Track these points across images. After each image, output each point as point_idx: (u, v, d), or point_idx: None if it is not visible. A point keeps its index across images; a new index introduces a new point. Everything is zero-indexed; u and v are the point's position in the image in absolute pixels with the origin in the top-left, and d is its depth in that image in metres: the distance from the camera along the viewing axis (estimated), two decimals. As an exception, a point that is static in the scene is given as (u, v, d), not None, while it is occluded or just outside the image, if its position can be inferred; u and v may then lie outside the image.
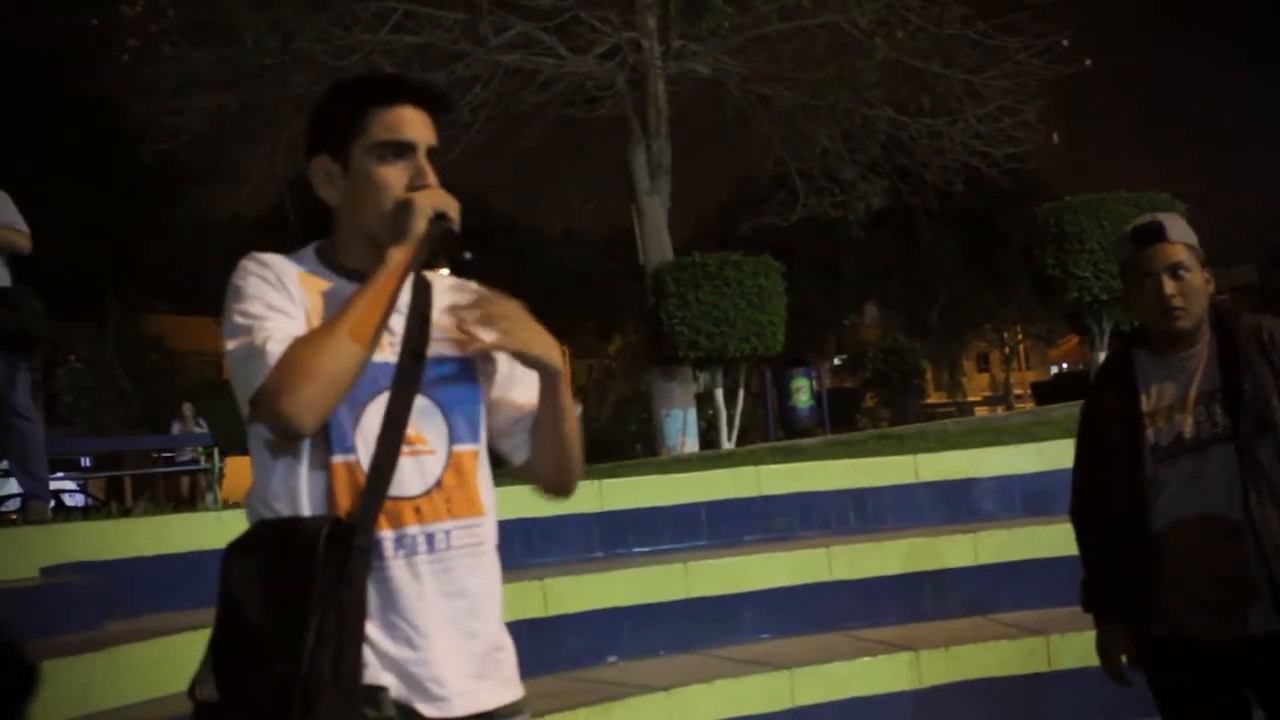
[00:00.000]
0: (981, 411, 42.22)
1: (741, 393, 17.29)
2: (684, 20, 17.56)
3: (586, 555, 7.07)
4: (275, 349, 2.28)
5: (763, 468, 7.82)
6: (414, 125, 2.49)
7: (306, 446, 2.37)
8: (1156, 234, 3.50)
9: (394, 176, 2.44)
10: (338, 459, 2.36)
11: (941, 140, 18.26)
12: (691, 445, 16.74)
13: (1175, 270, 3.46)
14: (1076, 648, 5.93)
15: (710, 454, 13.07)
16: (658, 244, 17.72)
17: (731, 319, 15.47)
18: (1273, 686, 3.46)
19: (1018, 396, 49.21)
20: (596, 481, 7.46)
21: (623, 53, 17.41)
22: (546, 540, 6.94)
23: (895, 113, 18.28)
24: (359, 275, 2.43)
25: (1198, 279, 3.49)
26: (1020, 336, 54.12)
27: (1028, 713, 6.34)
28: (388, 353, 2.43)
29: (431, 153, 2.51)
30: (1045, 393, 28.63)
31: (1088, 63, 18.32)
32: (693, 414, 17.13)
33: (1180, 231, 3.51)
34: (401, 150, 2.46)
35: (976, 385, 59.98)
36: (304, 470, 2.37)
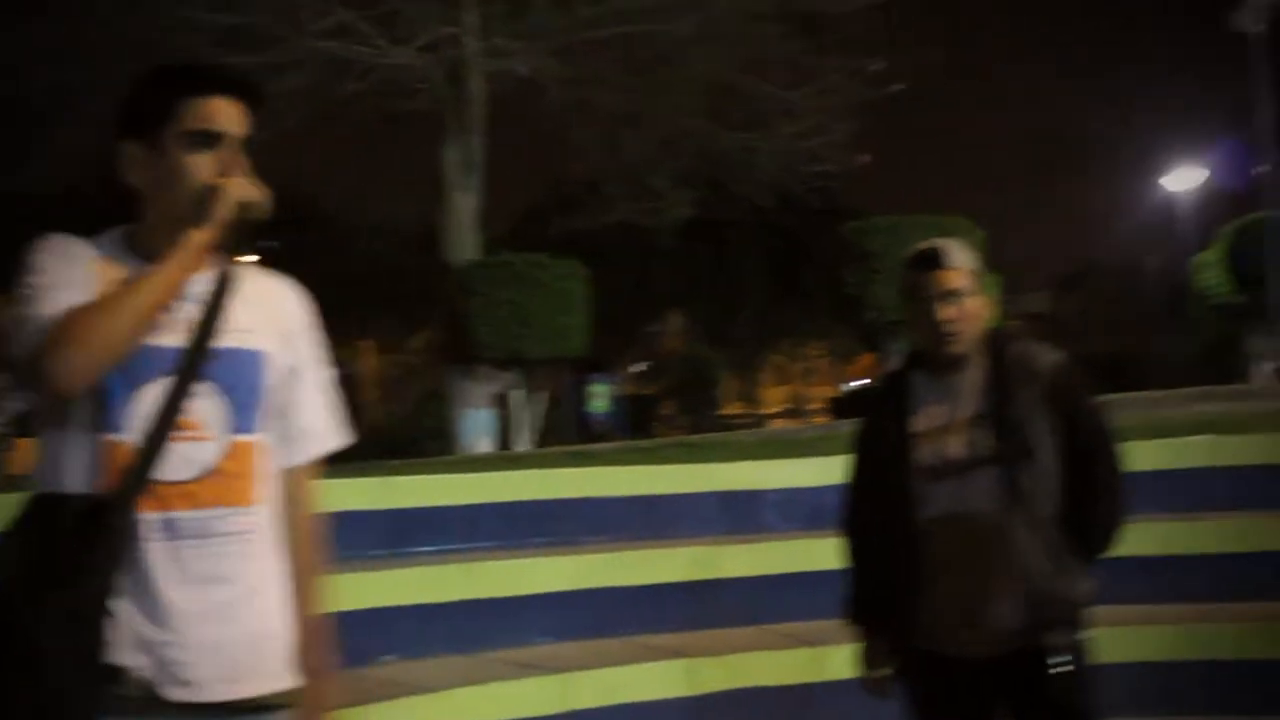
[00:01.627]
0: (777, 424, 42.83)
1: (541, 395, 17.27)
2: (506, 18, 17.50)
3: (369, 552, 6.95)
4: (49, 313, 2.25)
5: (553, 471, 7.81)
6: (225, 115, 2.47)
7: (79, 422, 2.34)
8: (935, 260, 3.58)
9: (203, 165, 2.42)
10: (107, 437, 2.33)
11: (754, 155, 18.52)
12: (487, 445, 16.68)
13: (952, 295, 3.54)
14: (849, 659, 6.03)
15: (505, 455, 13.04)
16: (465, 241, 17.64)
17: (534, 321, 15.47)
18: (1023, 701, 3.57)
19: (814, 411, 50.08)
20: (384, 478, 7.36)
21: (442, 47, 17.28)
22: (330, 535, 6.81)
23: (710, 124, 18.48)
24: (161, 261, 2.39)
25: (974, 305, 3.58)
26: (820, 352, 55.07)
27: (798, 721, 6.43)
28: (177, 337, 2.40)
29: (244, 143, 2.50)
30: (840, 407, 29.22)
31: (899, 87, 18.76)
32: (490, 414, 17.06)
33: (959, 258, 3.60)
34: (211, 140, 2.45)
35: (775, 398, 60.88)
36: (73, 446, 2.34)
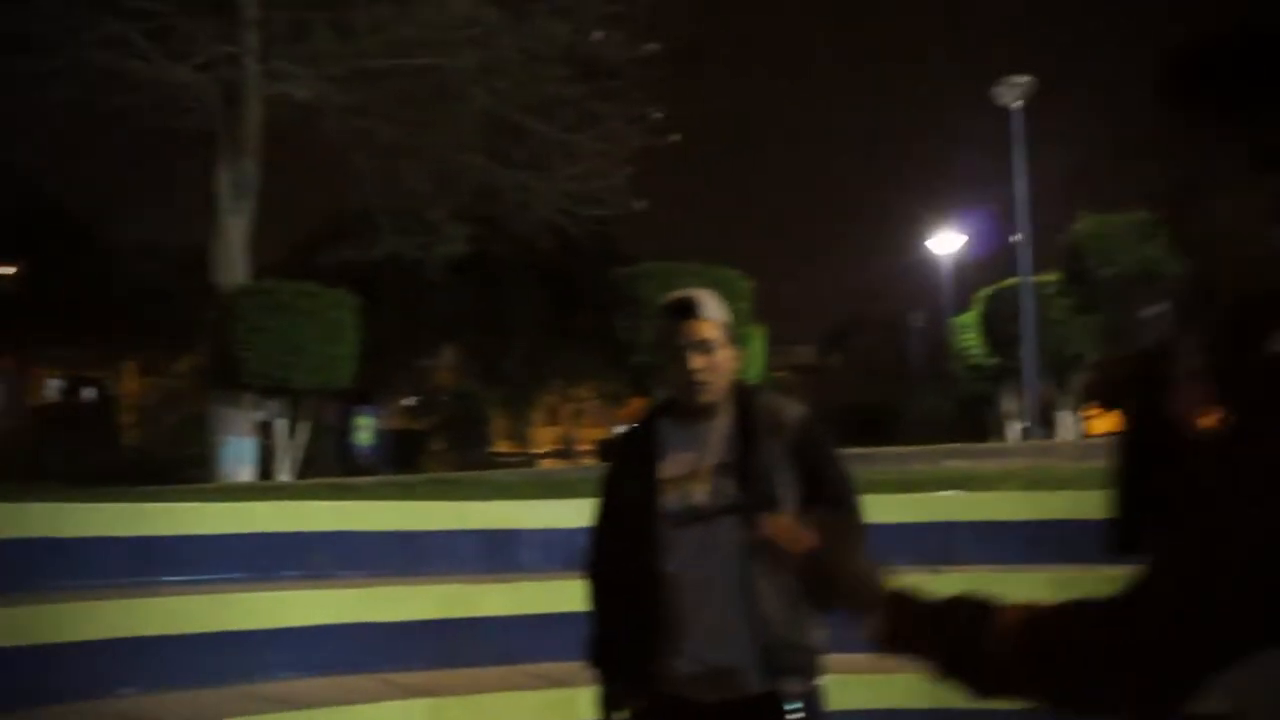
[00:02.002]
0: (546, 464, 42.90)
1: (305, 425, 17.00)
2: (287, 41, 17.27)
3: (113, 580, 6.75)
4: None
5: (310, 503, 7.70)
6: None
7: None
8: (689, 310, 3.65)
9: None
10: None
11: (530, 194, 18.62)
12: (248, 475, 16.34)
13: (704, 346, 3.62)
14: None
15: (264, 485, 12.78)
16: (233, 266, 17.29)
17: (301, 350, 15.23)
18: None
19: (583, 452, 50.30)
20: (134, 504, 7.17)
21: (219, 66, 16.96)
22: (72, 562, 6.61)
23: (488, 162, 18.51)
24: None
25: (725, 355, 3.66)
26: (591, 394, 55.38)
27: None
28: None
29: None
30: (605, 450, 29.41)
31: (676, 137, 19.07)
32: (252, 443, 16.72)
33: (712, 309, 3.68)
34: None
35: (545, 438, 60.96)
36: None
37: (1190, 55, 1.56)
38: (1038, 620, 1.54)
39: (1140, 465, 1.87)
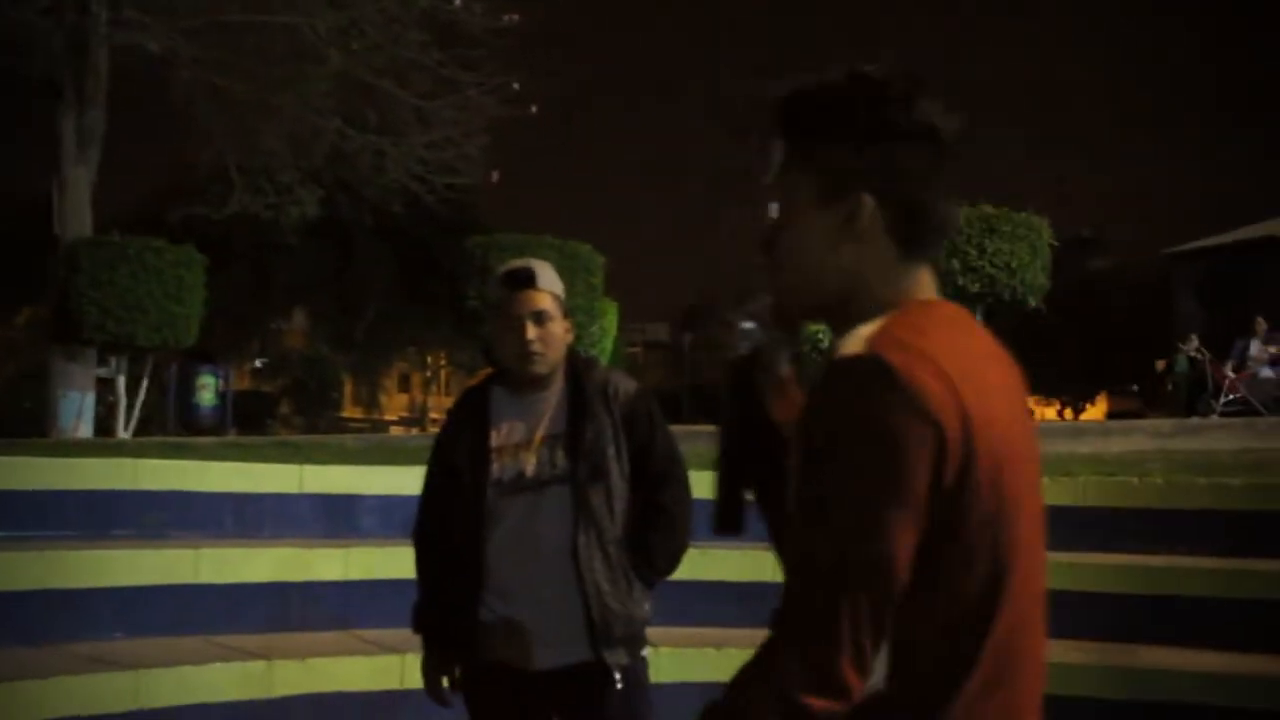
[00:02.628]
0: (396, 431, 42.64)
1: (146, 383, 16.70)
2: (139, -11, 16.89)
3: (-65, 534, 6.61)
4: None
5: (144, 461, 7.58)
6: None
7: None
8: (526, 279, 3.68)
9: None
10: None
11: (385, 159, 18.46)
12: (86, 431, 16.02)
13: (539, 316, 3.65)
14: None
15: (101, 441, 12.55)
16: (77, 217, 16.90)
17: (145, 306, 14.97)
18: (577, 712, 3.72)
19: (433, 420, 50.08)
20: (-39, 457, 7.01)
21: (66, 11, 16.53)
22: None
23: (343, 124, 18.32)
24: None
25: (559, 327, 3.70)
26: (443, 362, 55.13)
27: (376, 728, 6.45)
28: None
29: None
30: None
31: (534, 109, 19.03)
32: (90, 398, 16.40)
33: (549, 280, 3.72)
34: None
35: (396, 405, 60.57)
36: None
37: (787, 103, 1.84)
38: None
39: (740, 457, 2.07)
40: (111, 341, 15.40)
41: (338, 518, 7.71)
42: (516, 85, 18.28)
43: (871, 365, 1.65)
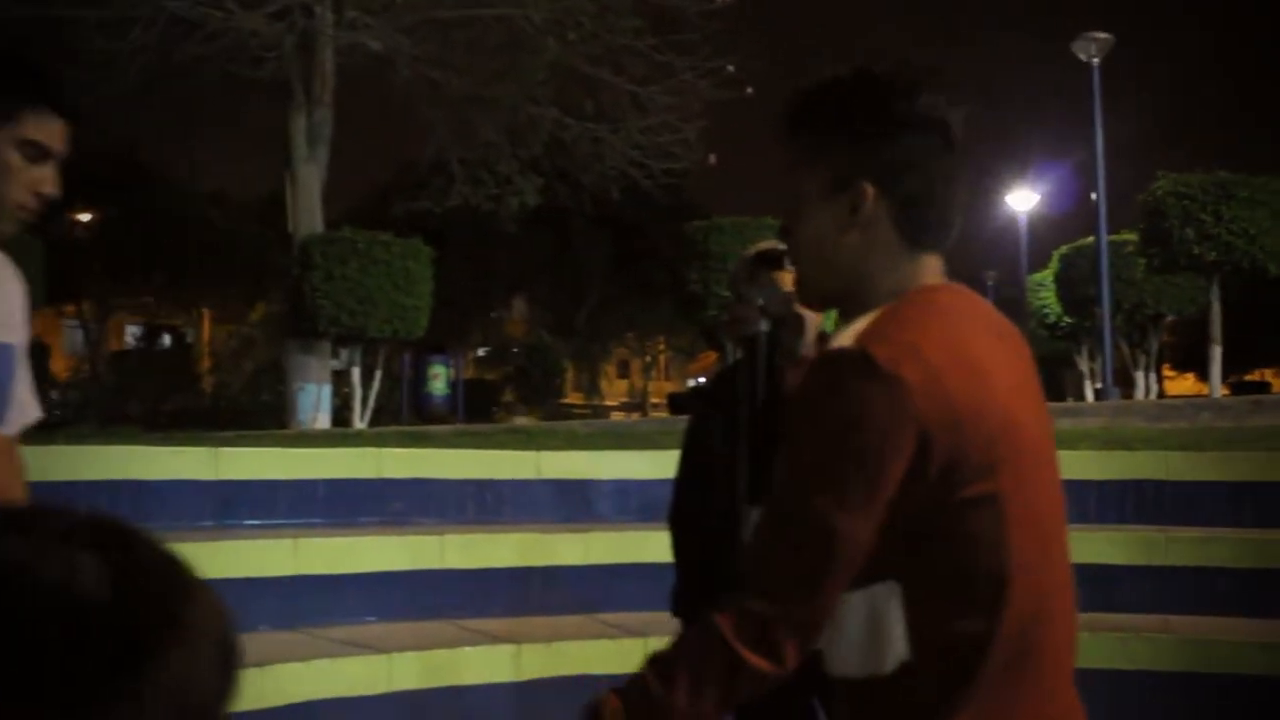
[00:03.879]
0: (617, 416, 43.02)
1: (379, 374, 17.14)
2: (360, -10, 17.32)
3: (195, 523, 6.86)
4: None
5: (386, 450, 7.77)
6: (62, 138, 2.54)
7: None
8: (776, 261, 3.64)
9: (34, 178, 2.49)
10: None
11: (602, 146, 18.59)
12: (323, 422, 16.51)
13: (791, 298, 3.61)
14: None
15: (339, 432, 12.91)
16: (309, 214, 17.40)
17: (376, 299, 15.34)
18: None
19: (654, 405, 50.39)
20: (213, 449, 7.26)
21: (293, 15, 17.03)
22: (156, 504, 6.72)
23: (560, 114, 18.49)
24: None
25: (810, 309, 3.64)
26: (662, 347, 55.42)
27: (621, 710, 6.49)
28: None
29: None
30: (679, 404, 29.39)
31: (749, 90, 18.96)
32: (327, 390, 16.89)
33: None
34: (47, 156, 2.51)
35: (616, 391, 61.10)
36: None
37: (795, 104, 1.92)
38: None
39: (761, 430, 2.26)
40: (345, 334, 15.84)
41: (574, 503, 7.80)
42: (731, 67, 18.23)
43: (856, 358, 1.72)
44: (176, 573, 0.88)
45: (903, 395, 1.69)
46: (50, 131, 2.52)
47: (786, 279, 3.64)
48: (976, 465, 1.72)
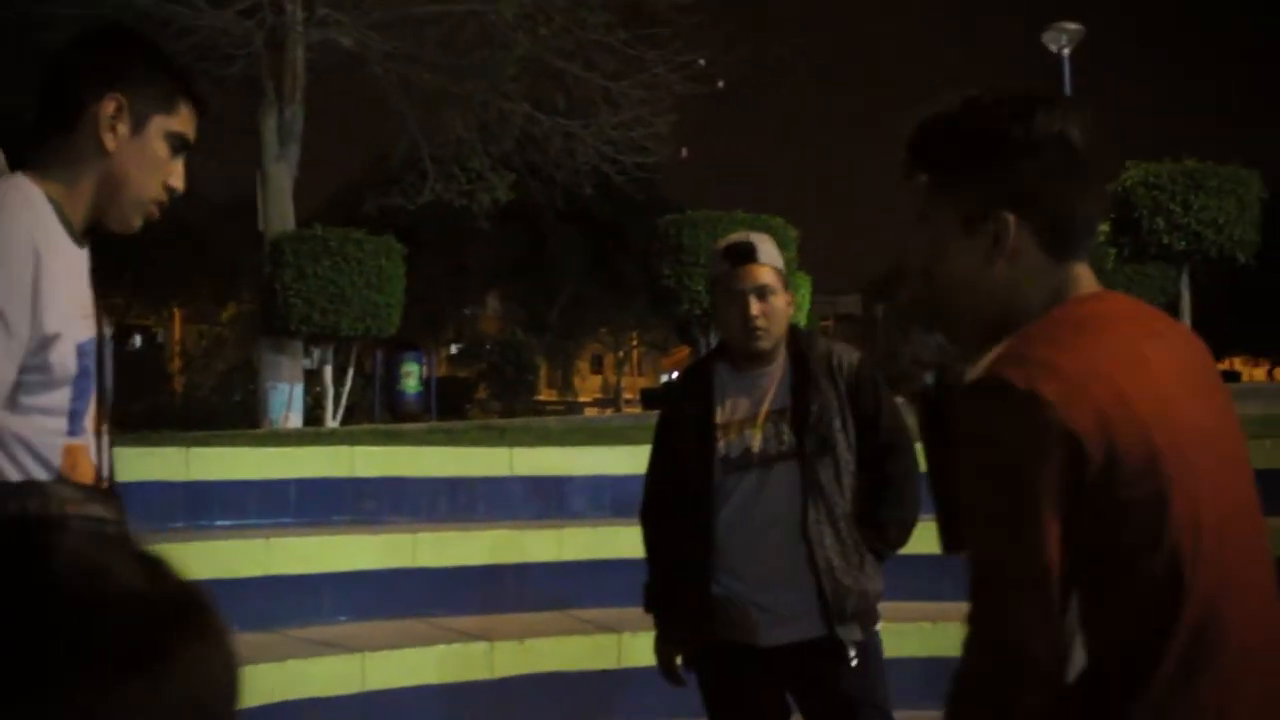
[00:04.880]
0: (590, 412, 42.99)
1: (351, 372, 17.08)
2: (330, -14, 17.25)
3: (166, 524, 6.81)
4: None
5: (358, 449, 7.73)
6: (195, 132, 2.60)
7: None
8: (747, 254, 3.62)
9: (174, 170, 2.53)
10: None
11: (574, 142, 18.56)
12: (295, 421, 16.43)
13: (761, 291, 3.60)
14: (647, 646, 6.10)
15: (311, 431, 12.86)
16: (280, 212, 17.32)
17: (348, 296, 15.27)
18: (814, 692, 3.66)
19: (628, 401, 50.37)
20: (185, 449, 7.22)
21: (263, 12, 16.94)
22: (127, 505, 6.65)
23: (532, 109, 18.46)
24: (81, 241, 2.47)
25: (781, 301, 3.64)
26: (635, 342, 55.38)
27: (597, 706, 6.48)
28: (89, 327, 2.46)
29: None
30: (653, 399, 29.39)
31: (720, 84, 18.95)
32: (299, 389, 16.80)
33: (769, 254, 3.65)
34: (184, 148, 2.55)
35: (589, 386, 61.10)
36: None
37: (912, 145, 1.95)
38: None
39: (948, 480, 2.23)
40: (317, 332, 15.76)
41: (548, 499, 7.78)
42: (703, 61, 18.23)
43: (992, 387, 1.75)
44: (195, 584, 0.93)
45: (1044, 410, 1.70)
46: (192, 125, 2.55)
47: (760, 272, 3.62)
48: (1135, 465, 1.72)
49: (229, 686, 0.90)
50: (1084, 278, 1.90)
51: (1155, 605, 1.74)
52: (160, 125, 2.47)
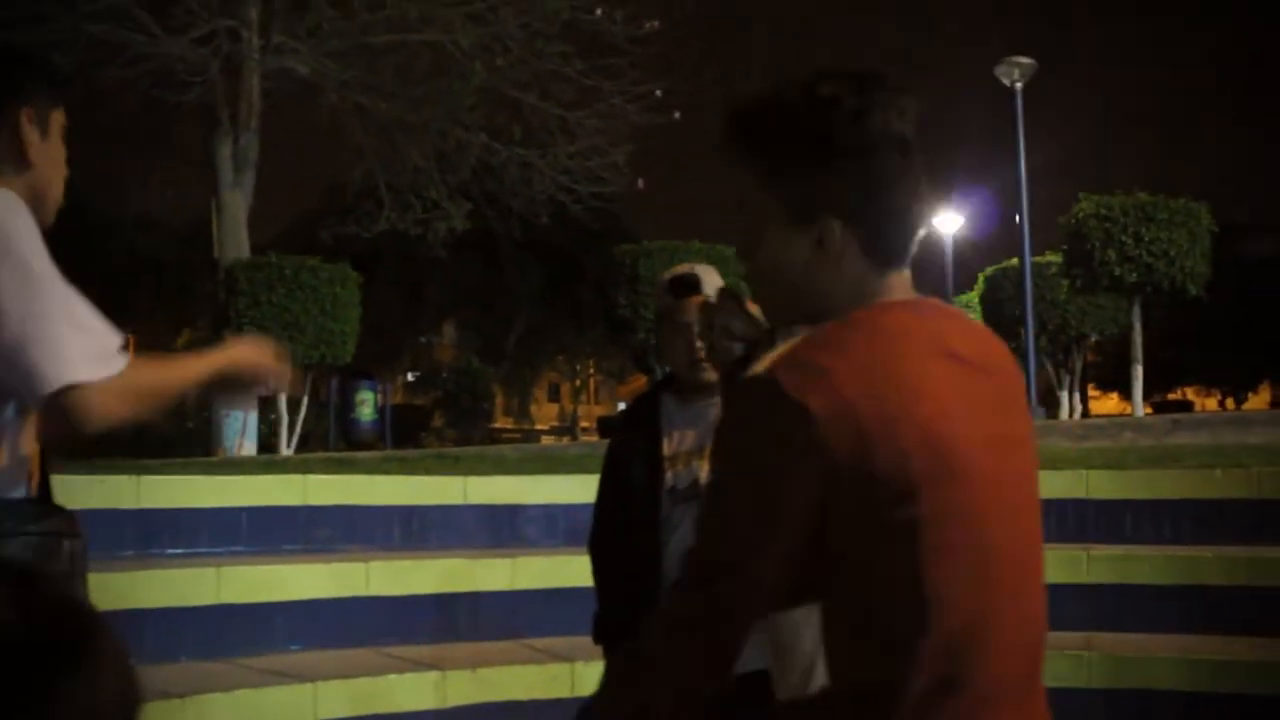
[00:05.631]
0: (547, 440, 42.95)
1: (306, 400, 17.02)
2: (287, 16, 17.24)
3: (116, 553, 6.77)
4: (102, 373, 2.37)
5: (311, 477, 7.71)
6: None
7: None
8: (691, 286, 3.64)
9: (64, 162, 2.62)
10: None
11: (530, 171, 18.61)
12: (249, 449, 16.35)
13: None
14: (599, 675, 6.09)
15: (265, 459, 12.79)
16: (235, 240, 17.28)
17: (303, 324, 15.23)
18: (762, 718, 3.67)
19: (584, 429, 50.36)
20: (135, 477, 7.18)
21: (219, 39, 16.92)
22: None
23: (488, 139, 18.49)
24: None
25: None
26: (592, 371, 55.42)
27: (549, 736, 6.48)
28: None
29: None
30: (608, 427, 29.40)
31: (677, 115, 19.03)
32: (253, 417, 16.73)
33: (714, 285, 3.67)
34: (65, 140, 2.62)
35: (546, 414, 61.04)
36: None
37: (739, 123, 1.86)
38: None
39: None
40: (271, 360, 15.71)
41: (501, 528, 7.77)
42: (659, 92, 18.32)
43: (765, 387, 1.71)
44: (78, 608, 0.89)
45: (807, 425, 1.66)
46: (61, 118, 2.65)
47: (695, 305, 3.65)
48: (892, 493, 1.68)
49: (123, 712, 0.87)
50: (897, 284, 1.84)
51: (899, 636, 1.71)
52: (58, 121, 2.58)
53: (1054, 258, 19.98)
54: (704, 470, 3.61)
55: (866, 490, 1.67)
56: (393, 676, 6.21)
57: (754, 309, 3.57)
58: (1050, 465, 8.51)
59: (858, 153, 1.77)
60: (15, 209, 2.38)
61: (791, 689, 1.80)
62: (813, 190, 1.79)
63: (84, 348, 2.36)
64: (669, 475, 3.63)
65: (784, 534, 1.71)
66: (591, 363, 52.75)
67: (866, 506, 1.68)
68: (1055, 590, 6.51)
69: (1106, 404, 48.36)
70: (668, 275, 3.74)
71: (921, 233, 1.87)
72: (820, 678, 1.75)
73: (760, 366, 1.75)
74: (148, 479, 7.23)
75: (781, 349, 1.76)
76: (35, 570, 0.90)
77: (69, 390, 2.31)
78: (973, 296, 23.71)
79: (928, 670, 1.70)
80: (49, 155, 2.56)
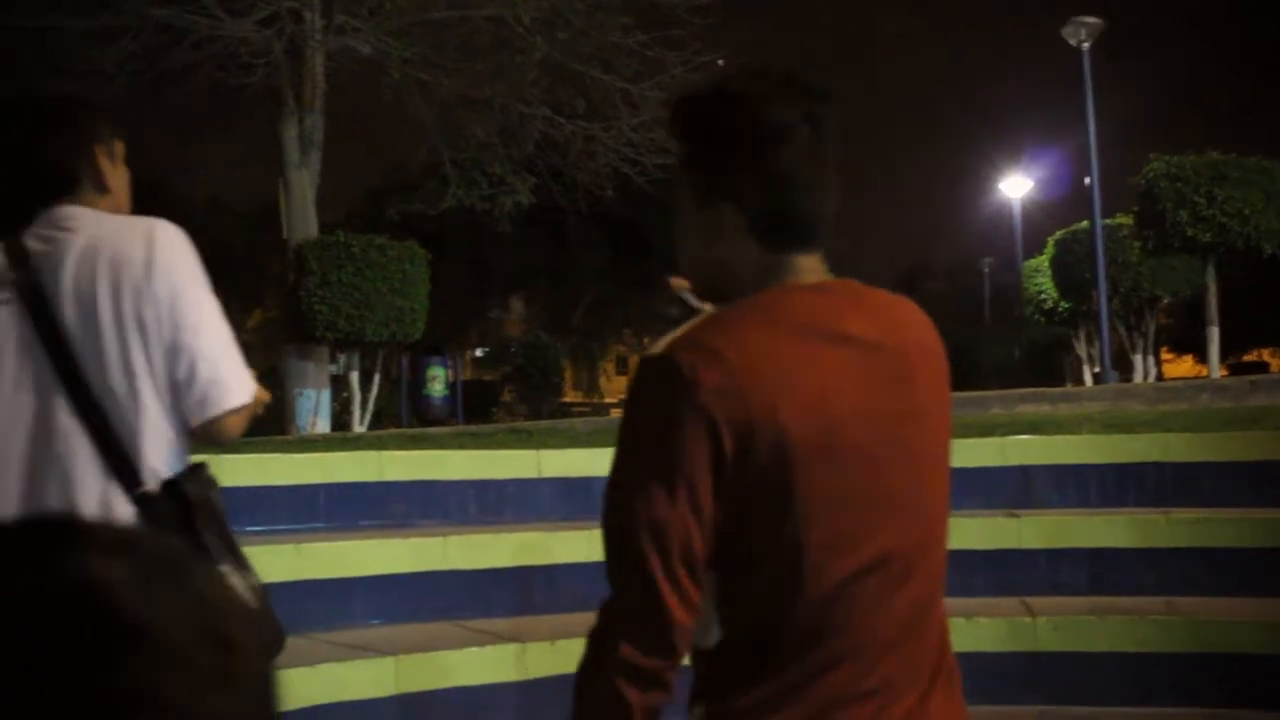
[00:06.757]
0: (616, 413, 43.03)
1: (377, 377, 17.14)
2: (349, -6, 17.31)
3: (197, 532, 6.85)
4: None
5: (386, 453, 7.77)
6: None
7: None
8: None
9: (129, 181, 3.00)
10: None
11: (595, 144, 18.57)
12: (323, 426, 16.51)
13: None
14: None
15: (339, 436, 12.90)
16: (303, 220, 17.39)
17: (372, 302, 15.33)
18: None
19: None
20: (215, 455, 7.25)
21: (282, 21, 17.00)
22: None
23: (552, 113, 18.48)
24: None
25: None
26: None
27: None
28: None
29: None
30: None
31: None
32: (326, 395, 16.88)
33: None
34: None
35: (614, 388, 61.06)
36: None
37: (671, 112, 2.05)
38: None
39: None
40: (342, 338, 15.83)
41: (576, 501, 7.79)
42: (721, 61, 18.21)
43: (661, 364, 1.86)
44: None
45: (698, 398, 1.81)
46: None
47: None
48: (765, 474, 1.83)
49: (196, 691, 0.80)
50: (805, 267, 1.98)
51: (773, 592, 1.89)
52: (120, 149, 2.93)
53: (1125, 220, 19.73)
54: None
55: (746, 468, 1.83)
56: (472, 649, 6.26)
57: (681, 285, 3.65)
58: (1126, 429, 8.45)
59: (753, 145, 1.92)
60: (187, 240, 2.81)
61: (699, 640, 1.95)
62: (711, 179, 1.96)
63: (240, 373, 2.79)
64: None
65: (692, 496, 1.83)
66: (658, 335, 52.70)
67: (744, 483, 1.84)
68: (1136, 555, 6.48)
69: (1180, 367, 47.74)
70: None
71: (825, 226, 1.99)
72: (716, 634, 1.94)
73: (659, 346, 1.91)
74: (226, 458, 7.28)
75: (681, 329, 1.91)
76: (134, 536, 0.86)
77: (227, 415, 2.78)
78: (1043, 260, 23.47)
79: (796, 624, 1.88)
80: (120, 178, 2.93)
